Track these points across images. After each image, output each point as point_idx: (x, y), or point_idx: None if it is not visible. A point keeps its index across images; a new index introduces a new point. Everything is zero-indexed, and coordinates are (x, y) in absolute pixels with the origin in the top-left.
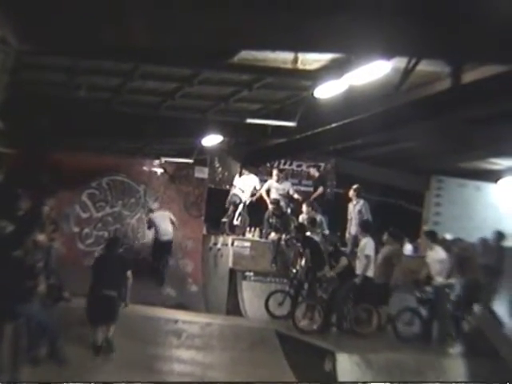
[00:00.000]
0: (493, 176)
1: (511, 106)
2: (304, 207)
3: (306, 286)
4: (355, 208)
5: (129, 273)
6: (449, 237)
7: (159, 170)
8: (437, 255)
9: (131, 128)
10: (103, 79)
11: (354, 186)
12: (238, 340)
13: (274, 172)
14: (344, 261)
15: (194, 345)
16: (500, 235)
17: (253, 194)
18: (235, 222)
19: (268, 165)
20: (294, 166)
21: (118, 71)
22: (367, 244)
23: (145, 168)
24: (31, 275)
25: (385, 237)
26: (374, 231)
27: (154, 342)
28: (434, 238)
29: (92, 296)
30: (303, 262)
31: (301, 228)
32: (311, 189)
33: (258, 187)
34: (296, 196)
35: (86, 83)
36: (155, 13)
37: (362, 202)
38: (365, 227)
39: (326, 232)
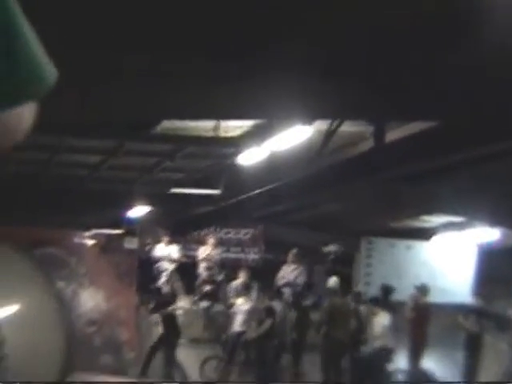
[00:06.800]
0: (425, 234)
1: (436, 163)
2: (242, 273)
3: (238, 350)
4: (293, 273)
5: None
6: None
7: (89, 242)
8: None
9: (59, 201)
10: (30, 154)
11: (294, 251)
12: None
13: (209, 239)
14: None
15: None
16: (386, 290)
17: (176, 262)
18: (163, 290)
19: (196, 233)
20: (222, 234)
21: (44, 145)
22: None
23: (75, 240)
24: None
25: None
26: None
27: None
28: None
29: None
30: (235, 326)
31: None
32: (241, 255)
33: (176, 256)
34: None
35: (14, 158)
36: (77, 88)
37: (300, 267)
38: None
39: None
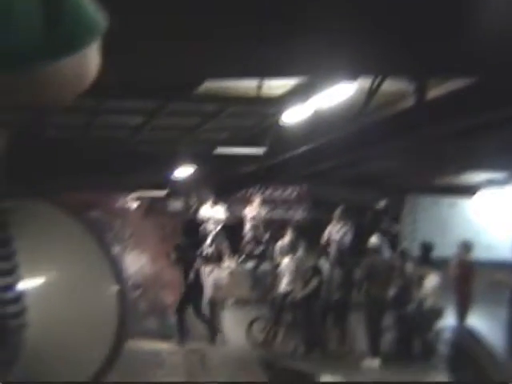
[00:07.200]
0: (468, 191)
1: (478, 120)
2: (288, 232)
3: (285, 310)
4: (339, 231)
5: None
6: None
7: (134, 205)
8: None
9: (102, 164)
10: (71, 117)
11: (339, 209)
12: (221, 368)
13: (254, 199)
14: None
15: (178, 374)
16: (426, 247)
17: (221, 223)
18: (209, 251)
19: (241, 193)
20: (267, 193)
21: (85, 108)
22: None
23: (119, 203)
24: None
25: None
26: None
27: (138, 373)
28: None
29: None
30: (281, 286)
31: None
32: (287, 214)
33: (221, 217)
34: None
35: (49, 122)
36: (118, 48)
37: (346, 225)
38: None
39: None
